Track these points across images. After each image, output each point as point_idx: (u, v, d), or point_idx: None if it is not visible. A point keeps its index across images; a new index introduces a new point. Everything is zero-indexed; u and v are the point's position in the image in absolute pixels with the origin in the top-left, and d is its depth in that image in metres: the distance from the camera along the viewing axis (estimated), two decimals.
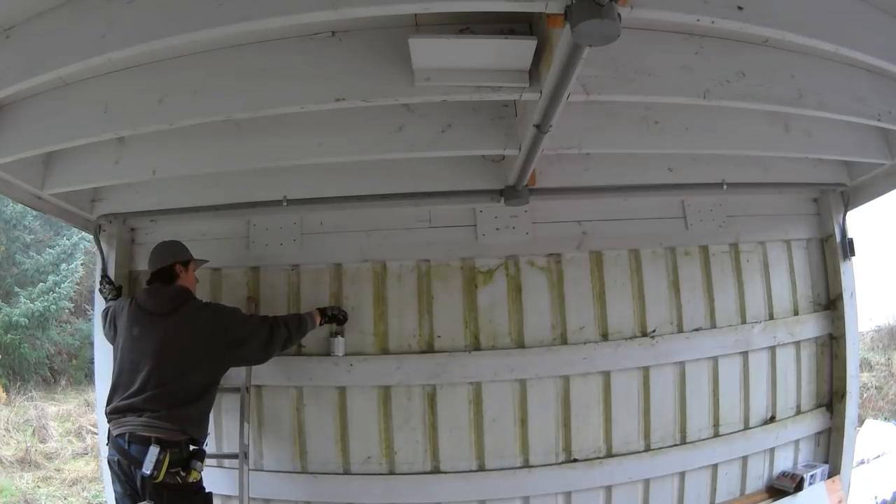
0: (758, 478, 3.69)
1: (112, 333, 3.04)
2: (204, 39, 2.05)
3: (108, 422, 2.74)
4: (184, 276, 3.06)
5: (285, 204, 3.24)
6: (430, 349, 3.45)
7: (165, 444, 2.60)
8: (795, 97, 2.45)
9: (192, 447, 2.72)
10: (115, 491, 2.73)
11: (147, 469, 2.53)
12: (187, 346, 2.80)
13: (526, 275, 3.52)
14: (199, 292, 3.52)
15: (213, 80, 2.30)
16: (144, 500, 2.56)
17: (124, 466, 2.64)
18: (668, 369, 3.56)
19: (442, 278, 3.50)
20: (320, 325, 3.28)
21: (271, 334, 2.99)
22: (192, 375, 2.77)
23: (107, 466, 2.84)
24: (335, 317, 3.36)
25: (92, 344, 4.52)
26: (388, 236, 3.49)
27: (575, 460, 3.46)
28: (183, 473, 2.64)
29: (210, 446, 2.99)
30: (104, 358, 3.49)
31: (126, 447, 2.61)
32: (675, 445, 3.54)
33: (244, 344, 2.92)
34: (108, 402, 2.78)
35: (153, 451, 2.55)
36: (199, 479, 2.71)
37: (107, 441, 2.77)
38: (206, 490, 2.76)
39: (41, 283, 11.75)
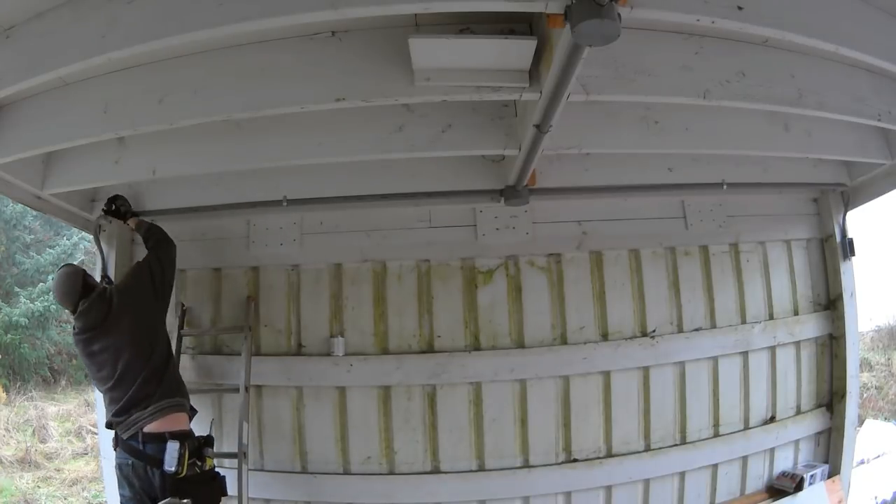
0: (758, 478, 3.69)
1: (82, 359, 3.01)
2: (204, 39, 2.05)
3: (115, 427, 2.77)
4: (90, 280, 2.98)
5: (285, 204, 3.24)
6: (430, 349, 3.45)
7: (180, 437, 2.63)
8: (795, 97, 2.45)
9: (199, 436, 2.77)
10: (122, 495, 2.73)
11: (171, 466, 2.57)
12: (135, 322, 2.82)
13: (526, 275, 3.52)
14: (200, 292, 3.52)
15: (213, 79, 2.30)
16: (163, 497, 2.57)
17: (139, 468, 2.64)
18: (668, 369, 3.56)
19: (442, 278, 3.50)
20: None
21: (156, 258, 3.02)
22: (154, 343, 2.83)
23: (110, 470, 2.88)
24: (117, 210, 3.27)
25: None
26: (388, 236, 3.49)
27: (575, 460, 3.46)
28: (199, 463, 2.69)
29: None
30: None
31: (141, 447, 2.64)
32: (675, 445, 3.54)
33: (153, 274, 2.96)
34: (108, 414, 2.81)
35: (173, 447, 2.59)
36: (213, 465, 2.77)
37: (114, 447, 2.78)
38: (221, 475, 2.84)
39: (41, 283, 11.74)
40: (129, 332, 2.81)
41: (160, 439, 2.63)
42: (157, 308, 2.98)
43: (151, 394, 2.72)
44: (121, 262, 3.53)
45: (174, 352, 3.18)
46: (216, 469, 2.81)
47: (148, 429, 2.66)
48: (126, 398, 2.72)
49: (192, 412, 2.91)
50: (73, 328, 2.93)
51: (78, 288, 2.84)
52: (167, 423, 2.69)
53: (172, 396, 2.78)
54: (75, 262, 3.23)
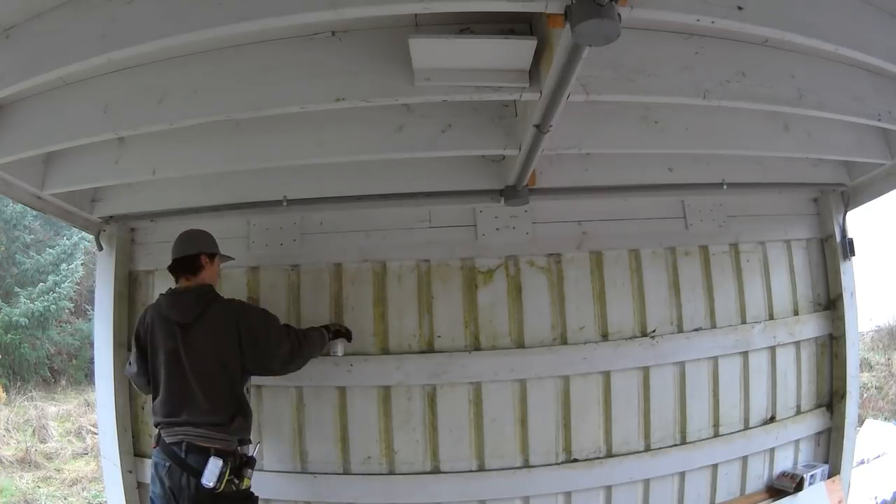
0: (758, 478, 3.69)
1: (147, 340, 2.89)
2: (204, 39, 2.04)
3: (159, 427, 2.75)
4: (209, 268, 2.95)
5: (285, 204, 3.24)
6: (430, 349, 3.45)
7: (225, 455, 2.64)
8: (795, 97, 2.45)
9: (242, 455, 2.78)
10: (153, 492, 2.73)
11: (210, 482, 2.57)
12: (216, 355, 2.74)
13: (526, 275, 3.52)
14: None
15: (213, 80, 2.30)
16: None
17: (175, 473, 2.64)
18: (668, 369, 3.55)
19: (442, 278, 3.50)
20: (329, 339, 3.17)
21: (291, 352, 2.83)
22: (232, 385, 2.77)
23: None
24: (339, 332, 3.27)
25: (92, 344, 4.53)
26: (388, 236, 3.49)
27: (575, 460, 3.46)
28: (237, 481, 2.69)
29: None
30: (104, 358, 3.50)
31: (183, 455, 2.64)
32: (675, 445, 3.54)
33: (257, 345, 2.77)
34: (158, 411, 2.78)
35: (216, 463, 2.60)
36: (249, 485, 2.76)
37: (156, 444, 2.76)
38: (256, 496, 2.84)
39: (41, 283, 11.76)
40: (204, 361, 2.73)
41: (204, 452, 2.63)
42: (238, 365, 2.80)
43: (212, 424, 2.69)
44: (121, 261, 3.53)
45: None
46: (251, 490, 2.80)
47: (195, 441, 2.67)
48: (181, 411, 2.70)
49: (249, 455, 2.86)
50: (155, 306, 2.88)
51: (198, 254, 2.90)
52: (214, 442, 2.68)
53: (232, 436, 2.74)
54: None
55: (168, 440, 2.69)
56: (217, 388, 2.74)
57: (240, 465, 2.73)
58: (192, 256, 2.92)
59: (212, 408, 2.70)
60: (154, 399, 2.84)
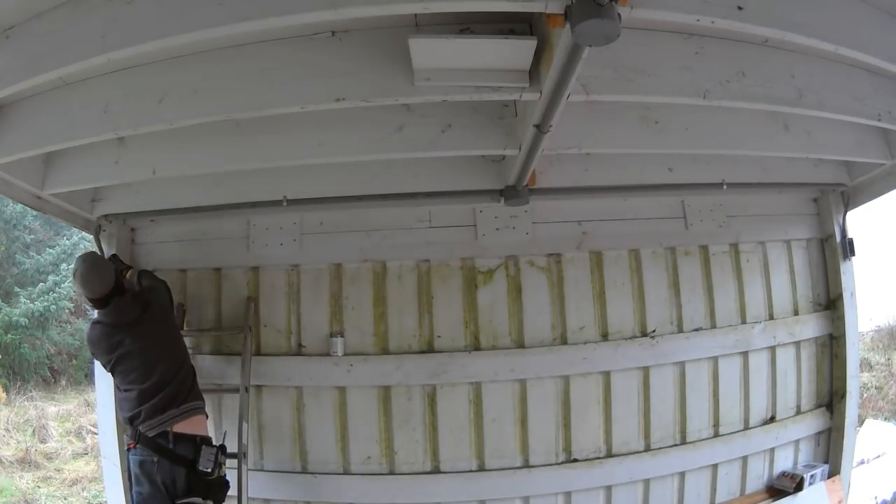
0: (758, 478, 3.69)
1: (101, 354, 2.99)
2: (204, 39, 2.04)
3: (139, 424, 2.77)
4: (122, 278, 3.10)
5: (285, 204, 3.24)
6: (430, 349, 3.45)
7: (210, 442, 2.79)
8: (795, 97, 2.45)
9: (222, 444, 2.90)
10: (139, 493, 2.75)
11: (207, 467, 2.71)
12: (169, 329, 2.99)
13: (526, 275, 3.52)
14: (200, 292, 3.55)
15: (213, 80, 2.30)
16: (185, 496, 2.68)
17: (164, 466, 2.69)
18: (668, 369, 3.56)
19: (442, 278, 3.50)
20: None
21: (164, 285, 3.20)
22: (184, 350, 3.02)
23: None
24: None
25: None
26: (388, 236, 3.49)
27: (575, 460, 3.46)
28: (222, 467, 2.84)
29: None
30: None
31: (171, 446, 2.71)
32: (675, 445, 3.54)
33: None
34: (132, 410, 2.81)
35: (210, 451, 2.75)
36: (225, 472, 2.87)
37: (135, 442, 2.78)
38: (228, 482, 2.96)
39: (41, 283, 11.74)
40: (165, 337, 2.95)
41: (190, 440, 2.74)
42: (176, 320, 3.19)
43: (185, 395, 2.85)
44: None
45: None
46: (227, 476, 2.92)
47: (177, 429, 2.75)
48: (160, 398, 2.77)
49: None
50: (97, 319, 2.96)
51: (111, 283, 2.91)
52: (193, 425, 2.81)
53: (198, 399, 2.93)
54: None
55: (151, 434, 2.73)
56: (181, 360, 2.98)
57: (221, 451, 2.84)
58: (115, 284, 2.94)
59: (183, 379, 2.89)
60: (121, 396, 2.90)
